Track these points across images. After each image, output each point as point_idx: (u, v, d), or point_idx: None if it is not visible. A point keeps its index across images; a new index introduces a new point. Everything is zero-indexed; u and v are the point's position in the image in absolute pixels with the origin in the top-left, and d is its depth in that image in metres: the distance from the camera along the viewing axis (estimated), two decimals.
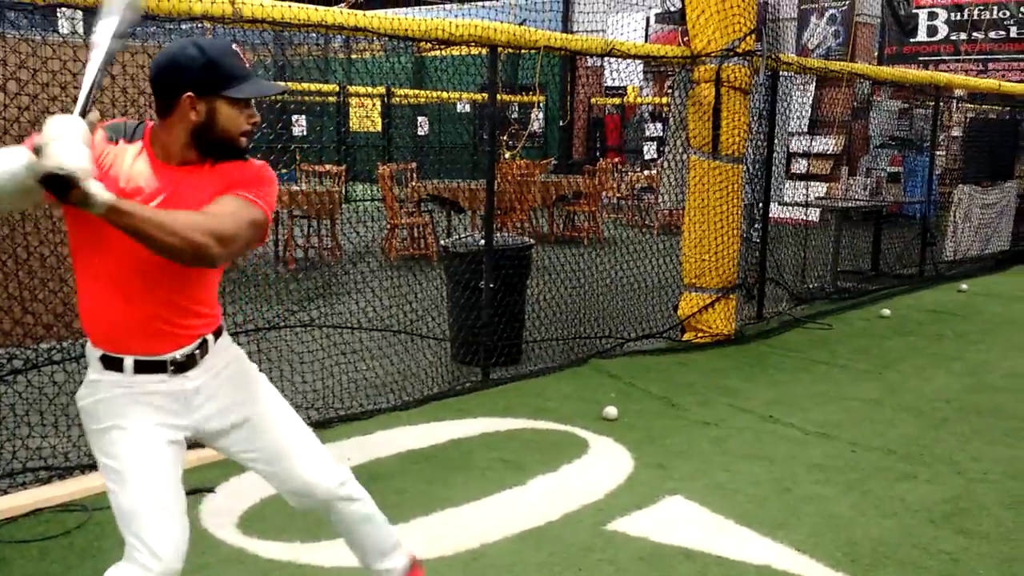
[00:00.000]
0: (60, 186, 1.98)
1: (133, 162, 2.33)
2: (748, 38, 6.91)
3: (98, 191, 2.02)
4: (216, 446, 2.64)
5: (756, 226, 8.05)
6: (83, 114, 2.11)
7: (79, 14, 5.66)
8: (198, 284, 2.46)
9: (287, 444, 2.64)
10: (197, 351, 2.47)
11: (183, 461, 2.52)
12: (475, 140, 18.50)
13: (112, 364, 2.41)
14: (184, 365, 2.45)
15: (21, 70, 5.21)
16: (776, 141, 8.35)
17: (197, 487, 4.22)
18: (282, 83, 2.47)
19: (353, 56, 16.95)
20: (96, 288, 2.38)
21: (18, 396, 4.85)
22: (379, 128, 18.07)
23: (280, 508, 3.91)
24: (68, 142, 1.98)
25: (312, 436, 2.73)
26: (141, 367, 2.40)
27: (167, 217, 2.18)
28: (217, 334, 2.55)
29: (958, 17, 16.20)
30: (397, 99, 18.14)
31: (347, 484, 2.74)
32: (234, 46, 2.38)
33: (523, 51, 6.38)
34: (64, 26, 6.53)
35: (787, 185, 13.10)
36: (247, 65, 2.37)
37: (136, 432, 2.40)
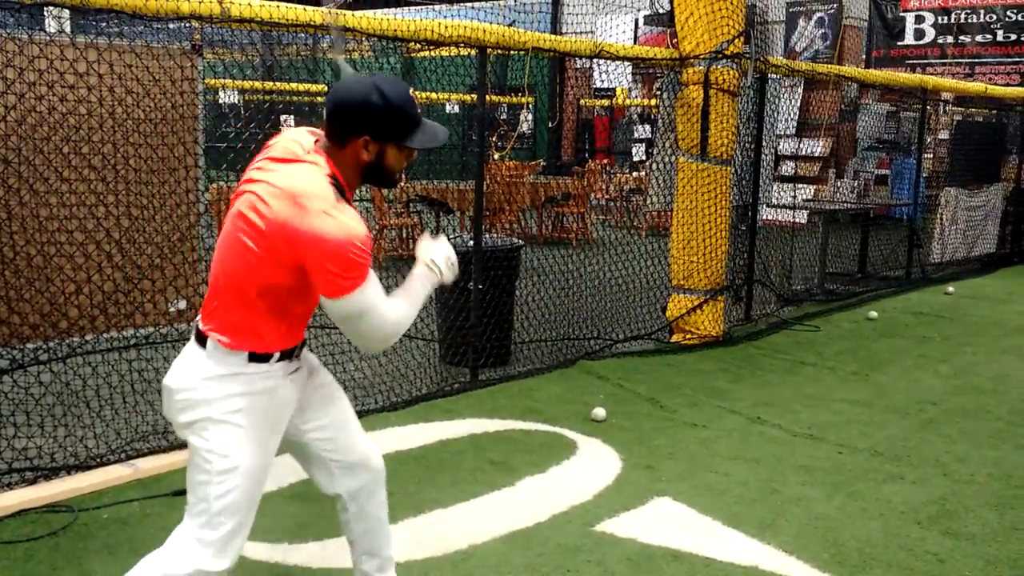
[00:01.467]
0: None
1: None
2: (736, 41, 6.93)
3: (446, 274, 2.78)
4: (302, 415, 2.74)
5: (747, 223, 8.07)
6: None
7: (66, 13, 5.64)
8: None
9: (350, 418, 2.86)
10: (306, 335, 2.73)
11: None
12: (464, 141, 18.50)
13: (259, 358, 2.52)
14: (301, 346, 2.69)
15: (8, 69, 5.18)
16: (764, 143, 8.37)
17: (184, 488, 4.20)
18: (444, 130, 2.56)
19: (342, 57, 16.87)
20: (277, 315, 2.53)
21: (4, 396, 4.83)
22: None
23: (267, 509, 3.90)
24: (451, 263, 2.81)
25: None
26: (284, 356, 2.58)
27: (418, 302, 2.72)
28: None
29: (945, 20, 16.28)
30: None
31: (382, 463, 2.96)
32: (411, 91, 2.51)
33: (512, 52, 6.38)
34: (51, 25, 6.50)
35: (775, 187, 13.14)
36: (418, 109, 2.52)
37: (263, 437, 2.55)
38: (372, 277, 2.41)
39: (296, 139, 2.52)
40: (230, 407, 2.48)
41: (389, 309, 2.48)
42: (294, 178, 2.37)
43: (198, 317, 2.55)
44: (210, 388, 2.48)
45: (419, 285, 2.66)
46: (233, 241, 2.43)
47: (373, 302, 2.42)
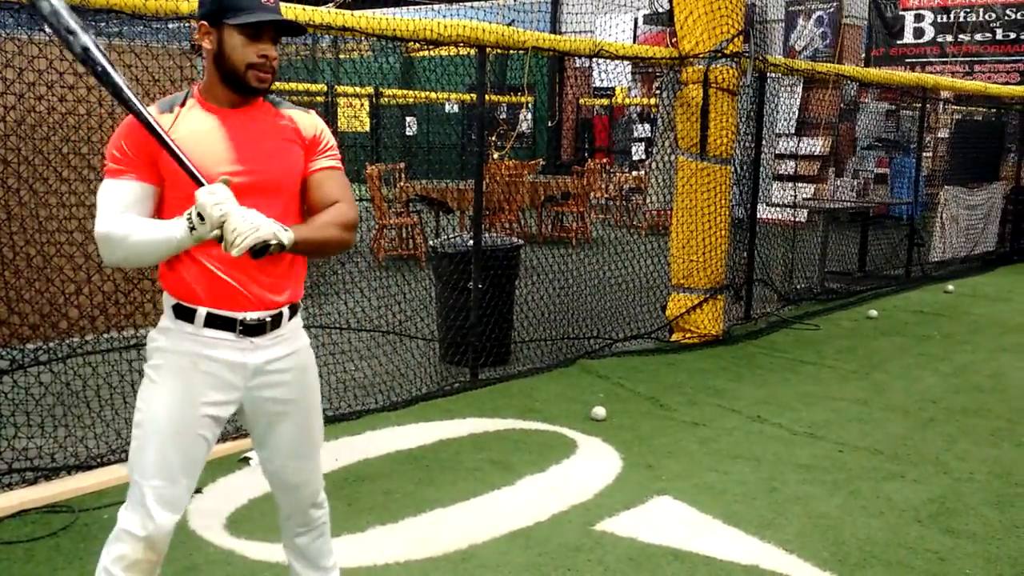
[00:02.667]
0: (260, 251, 2.21)
1: (185, 115, 2.41)
2: (736, 40, 6.93)
3: (287, 238, 2.25)
4: (256, 423, 2.61)
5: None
6: (193, 177, 2.26)
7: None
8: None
9: (309, 446, 2.68)
10: (269, 319, 2.48)
11: (215, 437, 2.53)
12: (463, 140, 18.50)
13: (184, 314, 2.43)
14: (253, 329, 2.45)
15: (7, 69, 5.18)
16: (764, 142, 8.37)
17: None
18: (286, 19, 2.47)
19: (341, 56, 16.91)
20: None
21: (4, 397, 4.83)
22: (367, 128, 18.05)
23: (267, 509, 3.91)
24: (243, 217, 2.19)
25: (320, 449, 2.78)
26: (211, 321, 2.42)
27: (323, 229, 2.41)
28: (293, 312, 2.57)
29: (944, 19, 16.28)
30: (385, 99, 18.12)
31: (322, 491, 2.80)
32: None
33: (512, 52, 6.38)
34: None
35: (775, 186, 13.14)
36: (269, 1, 2.40)
37: (177, 395, 2.42)
38: (115, 183, 2.34)
39: None
40: (152, 361, 2.47)
41: (103, 217, 2.32)
42: None
43: None
44: (153, 339, 2.49)
45: (153, 227, 2.32)
46: None
47: (99, 201, 2.35)
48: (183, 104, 2.43)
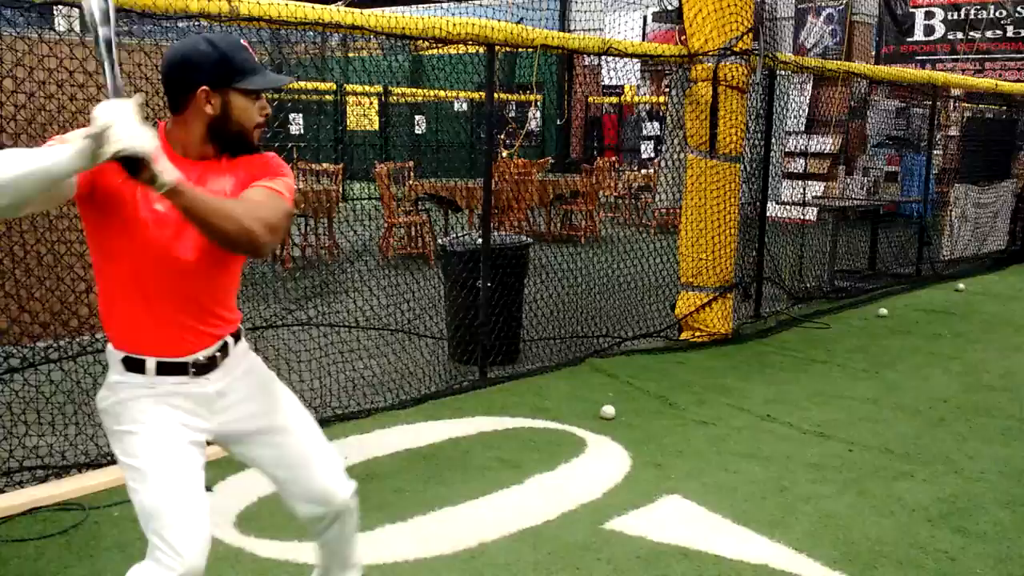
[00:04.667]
0: (131, 166, 2.05)
1: None
2: (745, 37, 6.91)
3: (166, 168, 2.09)
4: (234, 451, 2.64)
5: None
6: (118, 96, 2.13)
7: (76, 12, 5.64)
8: (219, 284, 2.48)
9: (307, 452, 2.66)
10: (218, 353, 2.49)
11: (203, 461, 2.51)
12: (472, 139, 18.50)
13: (134, 366, 2.41)
14: (205, 367, 2.47)
15: (17, 68, 5.20)
16: (773, 140, 8.35)
17: None
18: (287, 76, 2.51)
19: (350, 54, 16.94)
20: (118, 289, 2.38)
21: (15, 395, 4.85)
22: (376, 126, 18.07)
23: (277, 507, 3.91)
24: (129, 124, 2.03)
25: (326, 443, 2.74)
26: (163, 368, 2.42)
27: (223, 203, 2.25)
28: (236, 337, 2.57)
29: (955, 16, 16.22)
30: (394, 97, 18.14)
31: (355, 497, 2.78)
32: (242, 41, 2.43)
33: (520, 50, 6.37)
34: (61, 24, 6.51)
35: (784, 184, 13.10)
36: (256, 59, 2.43)
37: (157, 431, 2.40)
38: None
39: None
40: (120, 415, 2.42)
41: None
42: None
43: None
44: (106, 398, 2.45)
45: (45, 151, 2.10)
46: None
47: None
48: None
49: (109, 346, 2.45)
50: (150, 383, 2.41)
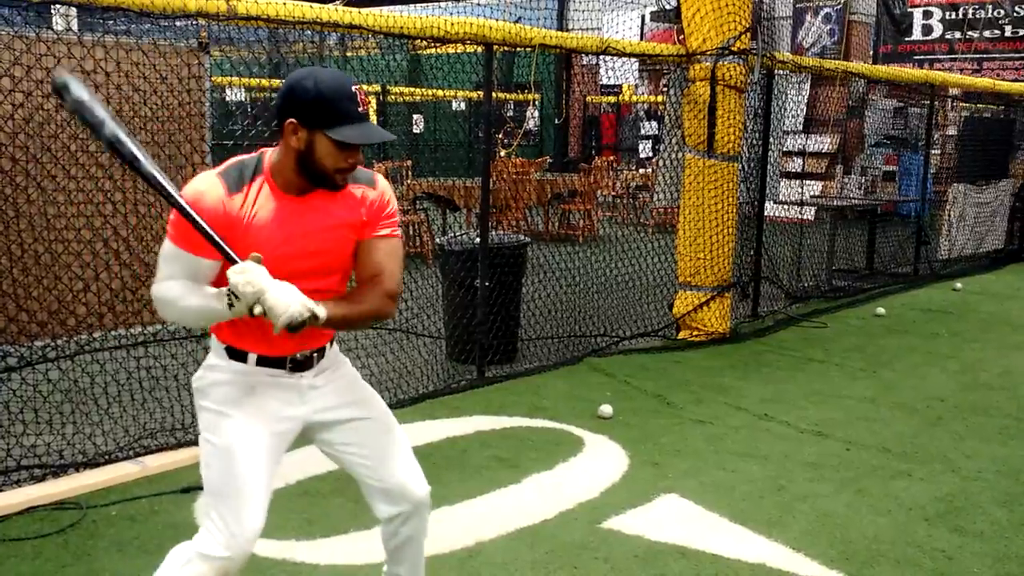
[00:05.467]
0: (296, 327, 2.28)
1: (256, 198, 2.43)
2: (743, 36, 6.91)
3: (320, 313, 2.31)
4: (321, 438, 2.71)
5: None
6: (230, 259, 2.32)
7: (73, 10, 5.64)
8: (322, 299, 2.51)
9: (393, 447, 2.78)
10: (315, 354, 2.62)
11: (282, 455, 2.63)
12: (471, 138, 18.50)
13: (236, 355, 2.55)
14: (302, 364, 2.59)
15: (15, 67, 5.19)
16: (771, 139, 8.35)
17: (192, 485, 4.22)
18: (388, 133, 2.53)
19: (348, 54, 16.93)
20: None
21: (12, 394, 4.84)
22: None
23: (276, 506, 3.91)
24: (278, 293, 2.26)
25: (408, 444, 2.85)
26: (262, 362, 2.55)
27: (359, 309, 2.48)
28: (332, 341, 2.70)
29: (953, 16, 16.23)
30: (393, 97, 18.13)
31: (429, 496, 2.86)
32: (355, 87, 2.42)
33: (519, 49, 6.37)
34: (59, 22, 6.51)
35: (782, 184, 13.11)
36: (362, 108, 2.42)
37: (244, 416, 2.52)
38: (175, 251, 2.39)
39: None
40: (211, 396, 2.54)
41: (158, 279, 2.43)
42: None
43: None
44: (203, 377, 2.58)
45: (200, 297, 2.39)
46: None
47: (160, 259, 2.44)
48: (251, 181, 2.44)
49: (213, 337, 2.59)
50: (248, 372, 2.54)
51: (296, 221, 2.46)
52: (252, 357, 2.54)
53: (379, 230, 2.57)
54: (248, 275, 2.26)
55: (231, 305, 2.30)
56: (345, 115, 2.39)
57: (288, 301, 2.26)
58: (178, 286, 2.40)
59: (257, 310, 2.27)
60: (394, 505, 2.78)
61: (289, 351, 2.55)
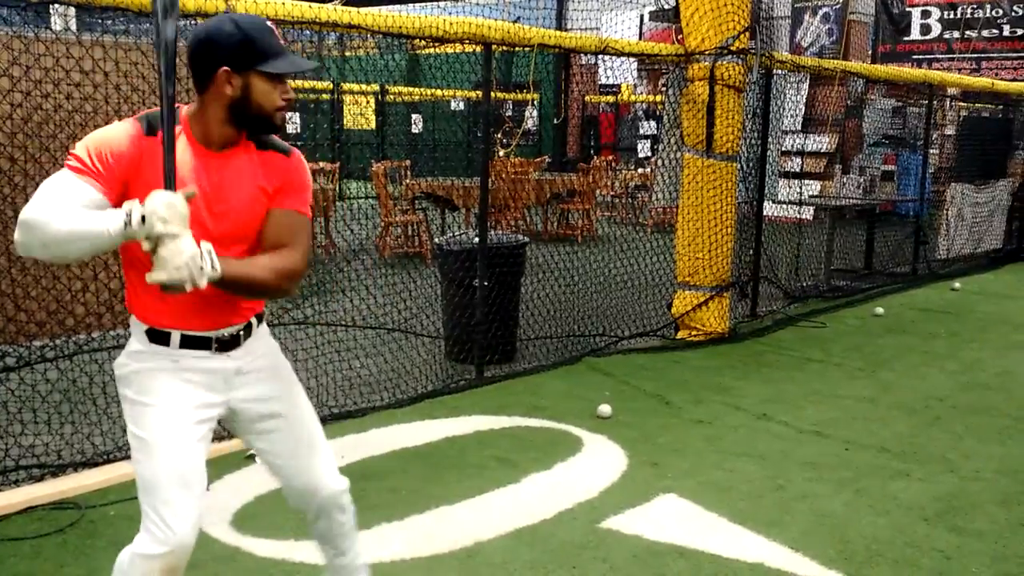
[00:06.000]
0: (172, 289, 2.15)
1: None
2: (742, 36, 6.91)
3: (210, 276, 2.17)
4: (238, 428, 2.65)
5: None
6: (171, 186, 2.18)
7: (72, 11, 5.64)
8: None
9: (306, 443, 2.68)
10: (242, 332, 2.52)
11: (210, 440, 2.54)
12: (469, 138, 18.50)
13: (158, 338, 2.43)
14: (228, 344, 2.49)
15: (14, 67, 5.19)
16: (770, 139, 8.35)
17: None
18: (312, 61, 2.51)
19: (347, 53, 16.93)
20: (148, 264, 2.32)
21: (11, 393, 4.84)
22: (373, 125, 18.06)
23: (274, 506, 3.92)
24: (180, 249, 2.10)
25: (323, 438, 2.76)
26: (187, 342, 2.43)
27: (253, 270, 2.34)
28: (260, 319, 2.61)
29: (951, 16, 16.23)
30: (391, 96, 18.13)
31: (346, 494, 2.78)
32: (268, 23, 2.39)
33: (517, 49, 6.37)
34: (57, 23, 6.51)
35: (781, 183, 13.11)
36: (281, 42, 2.40)
37: (169, 406, 2.42)
38: (72, 178, 2.20)
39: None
40: (132, 385, 2.44)
41: (34, 202, 2.16)
42: None
43: None
44: (125, 364, 2.46)
45: (81, 217, 2.15)
46: None
47: (41, 188, 2.20)
48: (156, 123, 2.33)
49: (133, 317, 2.46)
50: (172, 356, 2.43)
51: (212, 176, 2.37)
52: (175, 337, 2.41)
53: (290, 202, 2.47)
54: (172, 210, 2.11)
55: (126, 224, 2.10)
56: (273, 49, 2.35)
57: (185, 260, 2.10)
58: (54, 209, 2.14)
59: (147, 246, 2.11)
60: (302, 500, 2.72)
61: (214, 326, 2.44)
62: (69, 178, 2.22)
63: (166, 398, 2.42)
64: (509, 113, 18.05)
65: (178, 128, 2.35)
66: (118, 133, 2.30)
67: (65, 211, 2.14)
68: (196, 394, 2.45)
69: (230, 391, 2.52)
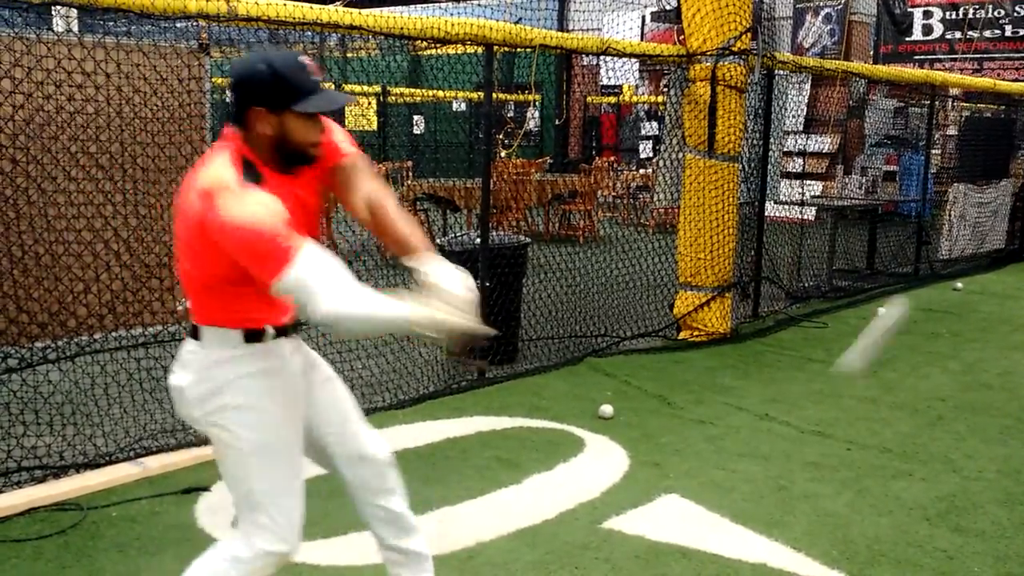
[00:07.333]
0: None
1: (271, 182, 2.42)
2: (744, 37, 6.91)
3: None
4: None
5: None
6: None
7: (74, 12, 5.65)
8: None
9: (353, 405, 2.82)
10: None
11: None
12: (471, 139, 18.50)
13: (252, 337, 2.49)
14: (295, 327, 2.63)
15: (16, 68, 5.19)
16: (772, 140, 8.35)
17: (193, 486, 4.22)
18: (346, 95, 2.55)
19: (349, 55, 16.93)
20: (258, 293, 2.41)
21: (13, 395, 4.85)
22: (375, 126, 18.06)
23: None
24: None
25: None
26: (280, 332, 2.55)
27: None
28: None
29: (953, 16, 16.22)
30: (393, 97, 18.14)
31: (393, 465, 2.92)
32: (303, 58, 2.43)
33: (519, 50, 6.38)
34: (59, 24, 6.51)
35: (783, 184, 13.11)
36: (315, 75, 2.44)
37: (279, 408, 2.52)
38: (302, 260, 2.25)
39: (222, 135, 2.52)
40: (240, 389, 2.47)
41: (327, 298, 2.25)
42: (202, 173, 2.37)
43: (189, 316, 2.56)
44: (217, 375, 2.47)
45: (391, 309, 2.32)
46: (179, 241, 2.44)
47: (304, 286, 2.26)
48: (255, 168, 2.41)
49: (210, 331, 2.48)
50: (268, 349, 2.51)
51: (299, 197, 2.50)
52: (269, 331, 2.51)
53: (342, 145, 2.65)
54: (457, 293, 2.47)
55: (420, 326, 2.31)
56: (307, 87, 2.39)
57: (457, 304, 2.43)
58: (342, 295, 2.27)
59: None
60: (363, 465, 2.79)
61: (288, 311, 2.55)
62: (314, 263, 2.27)
63: (277, 406, 2.52)
64: (511, 114, 18.06)
65: (254, 164, 2.41)
66: (266, 205, 2.30)
67: (366, 302, 2.32)
68: (297, 405, 2.58)
69: (304, 370, 2.64)
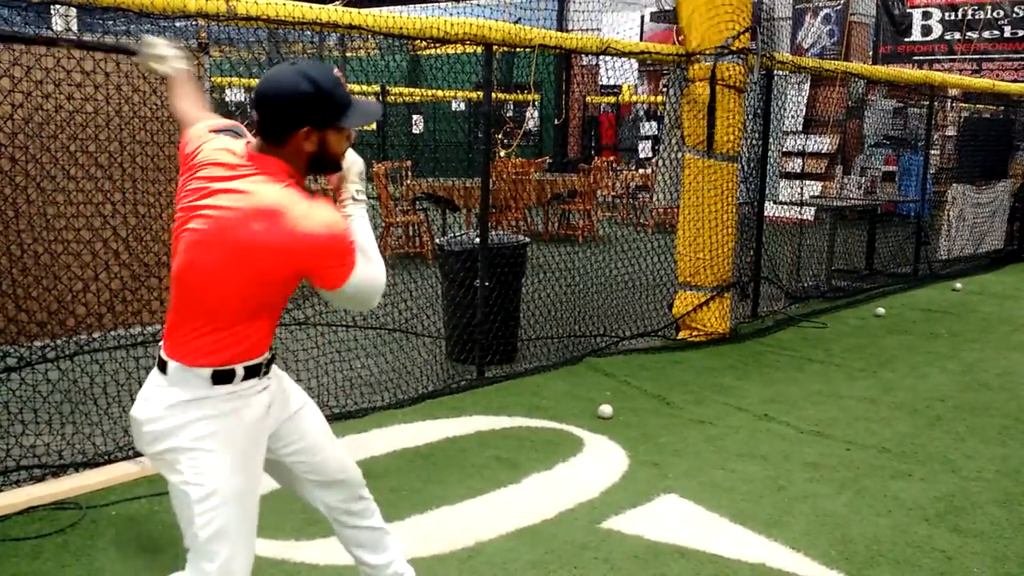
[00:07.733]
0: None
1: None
2: (743, 36, 6.91)
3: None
4: (274, 446, 2.66)
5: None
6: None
7: (73, 11, 5.64)
8: None
9: (325, 435, 2.77)
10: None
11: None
12: (470, 138, 18.49)
13: (221, 378, 2.39)
14: (269, 364, 2.55)
15: (15, 67, 5.19)
16: (771, 140, 8.35)
17: None
18: (377, 106, 2.55)
19: (348, 54, 16.92)
20: (266, 312, 2.45)
21: (12, 394, 4.85)
22: (373, 126, 18.04)
23: (273, 506, 3.91)
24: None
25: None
26: (249, 372, 2.44)
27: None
28: None
29: (952, 17, 16.23)
30: (392, 97, 18.12)
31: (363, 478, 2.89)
32: (336, 71, 2.43)
33: (518, 49, 6.38)
34: (58, 23, 6.51)
35: (782, 184, 13.11)
36: (346, 86, 2.45)
37: (236, 453, 2.43)
38: (354, 250, 2.40)
39: (223, 147, 2.43)
40: (197, 433, 2.37)
41: (371, 270, 2.43)
42: (259, 195, 2.28)
43: (160, 343, 2.45)
44: (175, 416, 2.37)
45: (364, 226, 2.52)
46: (206, 267, 2.31)
47: (364, 274, 2.39)
48: (306, 187, 2.43)
49: (178, 369, 2.38)
50: (235, 392, 2.41)
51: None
52: (239, 371, 2.40)
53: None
54: (354, 163, 2.57)
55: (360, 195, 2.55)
56: (346, 101, 2.41)
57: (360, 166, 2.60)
58: (368, 259, 2.43)
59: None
60: (336, 491, 2.79)
61: (265, 350, 2.48)
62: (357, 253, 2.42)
63: (238, 451, 2.42)
64: (510, 114, 18.06)
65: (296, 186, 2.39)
66: (331, 210, 2.37)
67: (370, 256, 2.45)
68: (261, 445, 2.53)
69: (272, 408, 2.56)
